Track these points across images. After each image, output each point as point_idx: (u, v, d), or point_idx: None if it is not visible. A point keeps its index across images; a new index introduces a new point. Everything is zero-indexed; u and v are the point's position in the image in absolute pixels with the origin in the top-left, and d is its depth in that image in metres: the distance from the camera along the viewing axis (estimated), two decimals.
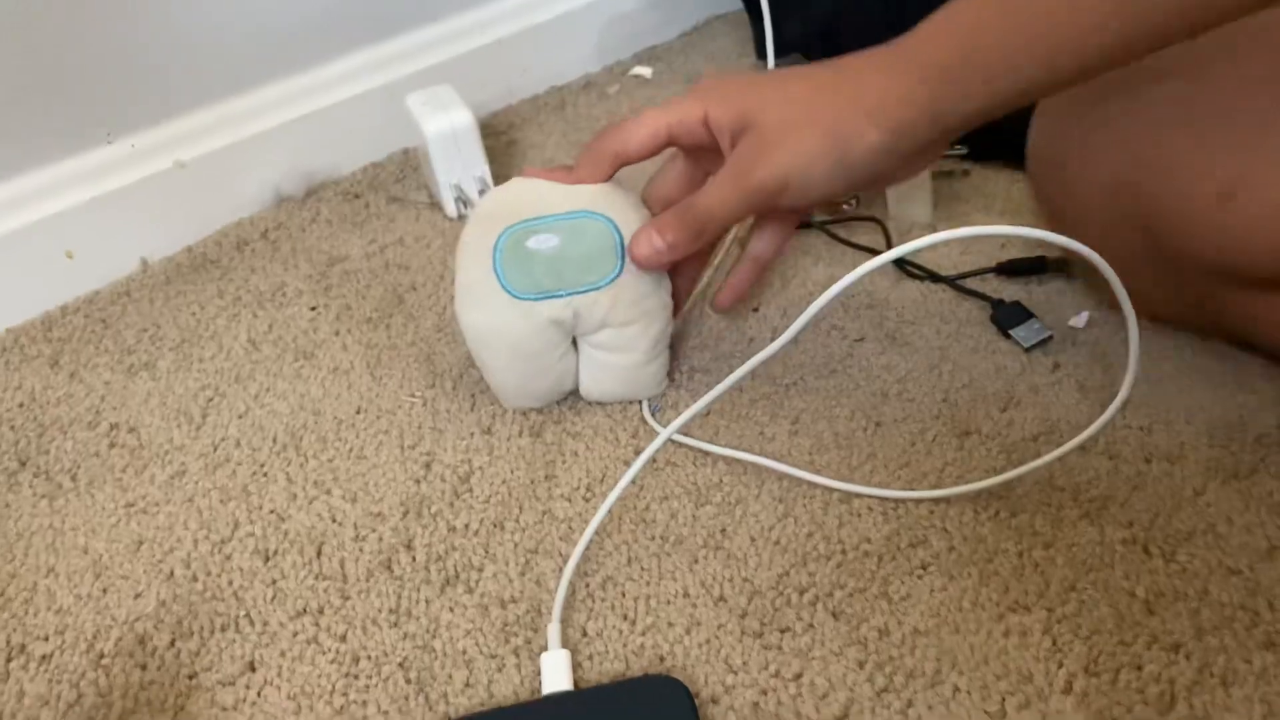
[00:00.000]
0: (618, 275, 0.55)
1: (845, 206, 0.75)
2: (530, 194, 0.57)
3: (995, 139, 0.76)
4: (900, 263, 0.70)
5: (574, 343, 0.58)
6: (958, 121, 0.49)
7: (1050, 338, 0.62)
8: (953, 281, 0.68)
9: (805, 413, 0.59)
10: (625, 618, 0.48)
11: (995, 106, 0.48)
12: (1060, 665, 0.44)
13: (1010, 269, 0.68)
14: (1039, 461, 0.50)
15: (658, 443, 0.51)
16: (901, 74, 0.49)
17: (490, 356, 0.58)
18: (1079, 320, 0.63)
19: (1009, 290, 0.66)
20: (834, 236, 0.73)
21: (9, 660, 0.49)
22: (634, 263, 0.54)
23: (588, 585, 0.50)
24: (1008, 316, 0.64)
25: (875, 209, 0.75)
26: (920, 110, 0.48)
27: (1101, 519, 0.50)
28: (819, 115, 0.50)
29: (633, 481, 0.55)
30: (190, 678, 0.47)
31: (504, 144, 0.91)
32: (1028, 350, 0.62)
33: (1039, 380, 0.59)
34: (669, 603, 0.49)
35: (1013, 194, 0.75)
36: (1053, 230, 0.47)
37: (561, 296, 0.55)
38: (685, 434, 0.57)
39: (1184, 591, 0.47)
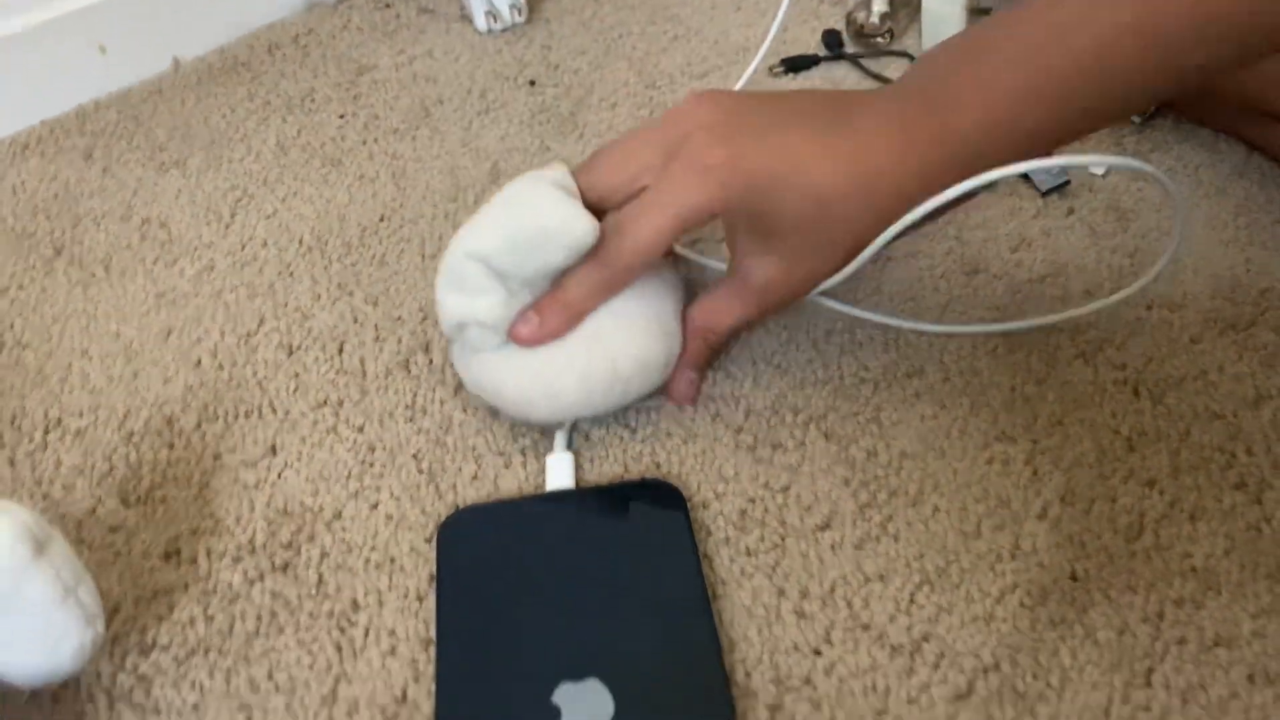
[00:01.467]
0: None
1: (878, 40, 0.74)
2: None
3: None
4: None
5: None
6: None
7: (1068, 183, 0.62)
8: None
9: None
10: (627, 426, 0.50)
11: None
12: (1038, 494, 0.46)
13: None
14: (1065, 314, 0.51)
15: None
16: (936, 145, 0.44)
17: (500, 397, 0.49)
18: (1098, 167, 0.63)
19: None
20: (865, 71, 0.73)
21: (46, 432, 0.52)
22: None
23: None
24: None
25: (908, 42, 0.74)
26: (950, 176, 0.44)
27: (1096, 360, 0.52)
28: (847, 218, 0.45)
29: None
30: (215, 458, 0.50)
31: None
32: (1044, 194, 0.62)
33: (1052, 224, 0.60)
34: (668, 416, 0.51)
35: None
36: None
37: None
38: (698, 254, 0.58)
39: (1166, 432, 0.48)
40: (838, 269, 0.47)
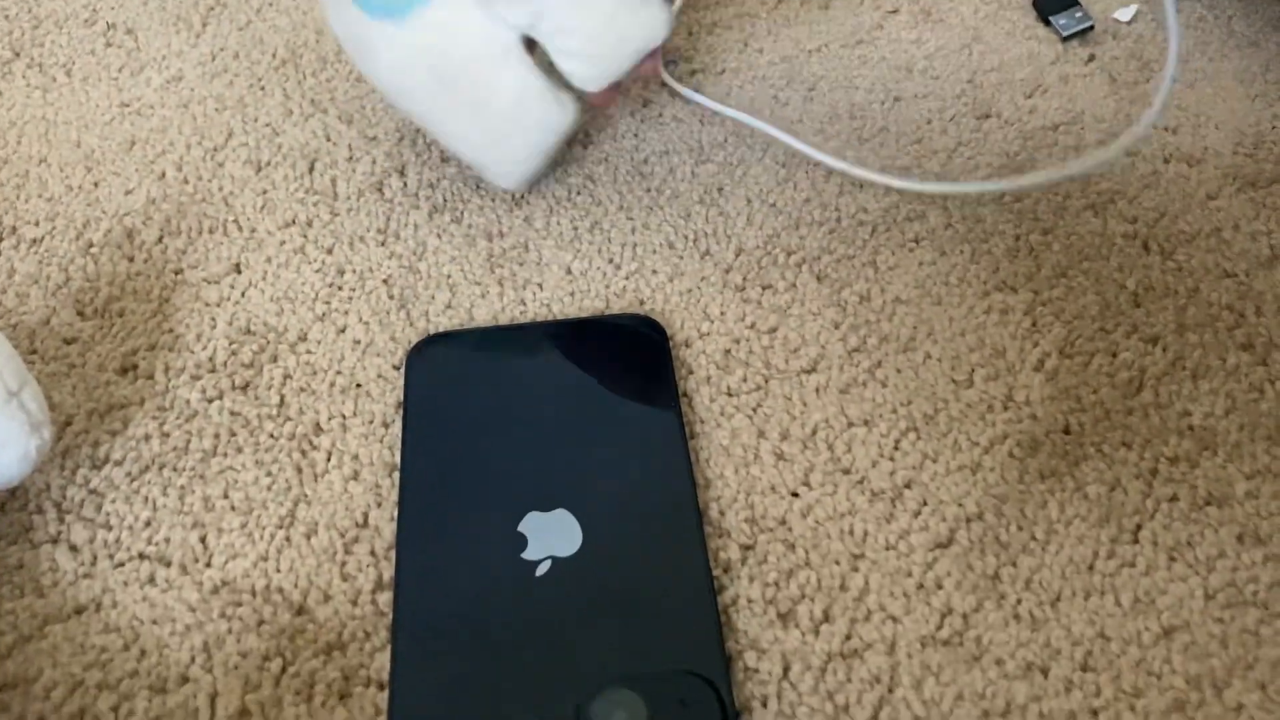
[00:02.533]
0: None
1: None
2: None
3: None
4: None
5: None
6: None
7: (1091, 28, 0.58)
8: None
9: (824, 80, 0.56)
10: (610, 261, 0.48)
11: None
12: (1036, 345, 0.44)
13: None
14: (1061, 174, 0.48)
15: None
16: None
17: (417, 106, 0.46)
18: (1125, 13, 0.60)
19: None
20: None
21: (1, 240, 0.49)
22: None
23: (575, 228, 0.49)
24: (1050, 2, 0.60)
25: None
26: None
27: (1106, 212, 0.49)
28: None
29: (634, 134, 0.54)
30: (176, 273, 0.48)
31: None
32: (1065, 39, 0.58)
33: (1071, 70, 0.56)
34: (655, 252, 0.48)
35: None
36: None
37: None
38: (696, 91, 0.55)
39: (1175, 289, 0.46)
40: None
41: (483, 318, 0.46)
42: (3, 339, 0.37)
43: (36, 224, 0.50)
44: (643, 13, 0.44)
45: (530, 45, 0.44)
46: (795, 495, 0.39)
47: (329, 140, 0.53)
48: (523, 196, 0.50)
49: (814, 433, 0.41)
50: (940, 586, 0.37)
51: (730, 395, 0.43)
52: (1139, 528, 0.38)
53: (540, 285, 0.47)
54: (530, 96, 0.45)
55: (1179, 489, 0.39)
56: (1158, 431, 0.41)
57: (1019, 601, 0.36)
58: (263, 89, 0.57)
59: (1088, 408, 0.42)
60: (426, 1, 0.42)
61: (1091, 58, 0.57)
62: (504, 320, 0.46)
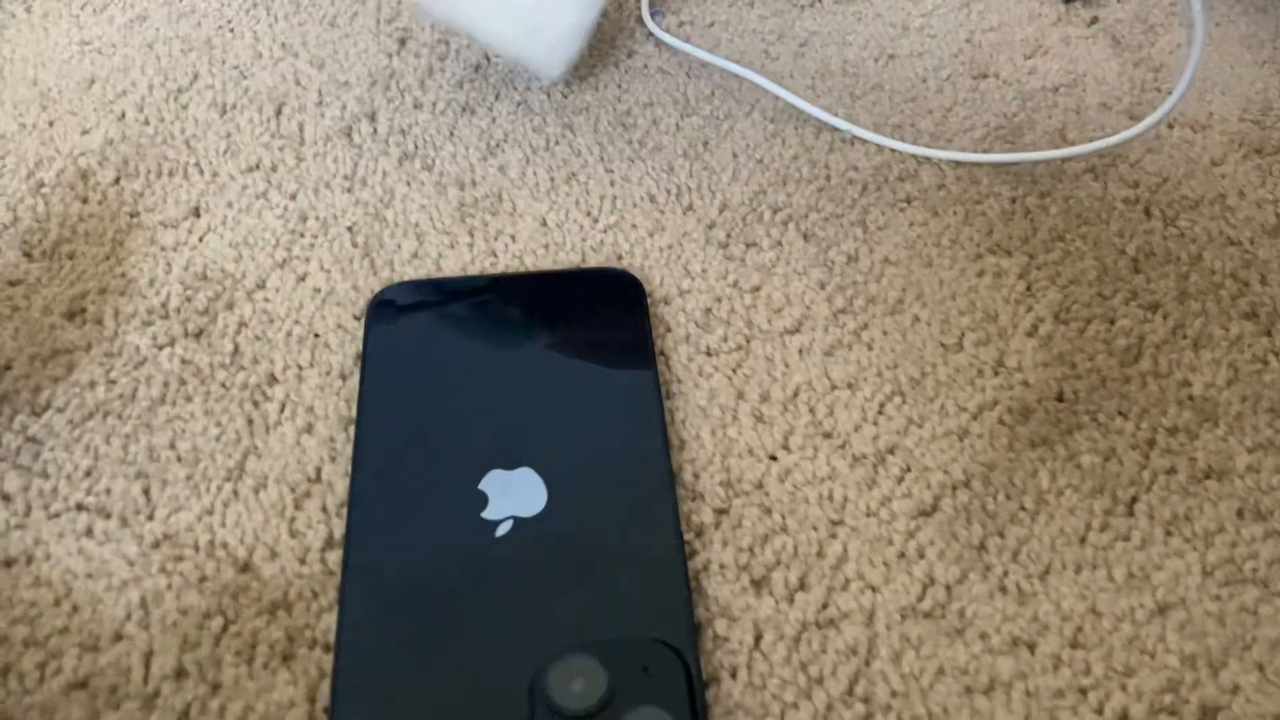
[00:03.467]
0: None
1: None
2: None
3: None
4: None
5: None
6: None
7: None
8: None
9: (816, 36, 0.54)
10: (588, 214, 0.46)
11: None
12: (1030, 309, 0.42)
13: None
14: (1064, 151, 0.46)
15: None
16: None
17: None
18: None
19: None
20: None
21: None
22: None
23: (552, 179, 0.47)
24: None
25: None
26: None
27: (1107, 175, 0.47)
28: None
29: (617, 85, 0.51)
30: (132, 215, 0.45)
31: None
32: (1067, 1, 0.56)
33: (1073, 32, 0.54)
34: (635, 205, 0.46)
35: None
36: None
37: None
38: (684, 40, 0.53)
39: (1176, 255, 0.44)
40: None
41: (451, 269, 0.44)
42: None
43: None
44: None
45: None
46: (774, 459, 0.37)
47: (298, 84, 0.51)
48: (496, 145, 0.48)
49: (795, 395, 0.39)
50: (923, 556, 0.35)
51: (709, 355, 0.40)
52: (1134, 500, 0.36)
53: (513, 237, 0.45)
54: None
55: (1177, 460, 0.37)
56: (1156, 401, 0.39)
57: (1005, 573, 0.34)
58: (232, 31, 0.54)
59: (1083, 375, 0.40)
60: None
61: (1095, 20, 0.55)
62: (474, 272, 0.44)
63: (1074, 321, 0.42)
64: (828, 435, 0.38)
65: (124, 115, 0.50)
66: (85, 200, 0.46)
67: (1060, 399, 0.39)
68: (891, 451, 0.37)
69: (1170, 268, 0.43)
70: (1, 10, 0.55)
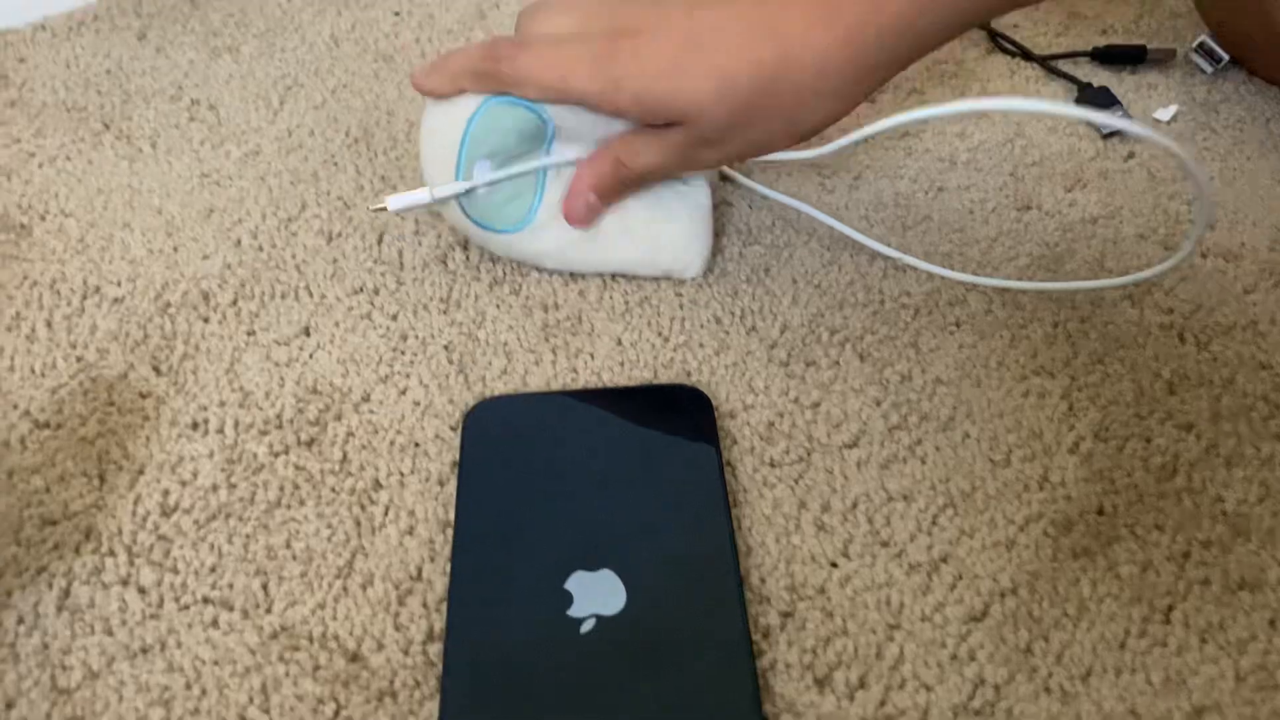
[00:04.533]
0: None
1: None
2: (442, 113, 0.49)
3: None
4: (993, 35, 0.68)
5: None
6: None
7: None
8: (1044, 60, 0.66)
9: (869, 170, 0.59)
10: (659, 334, 0.50)
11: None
12: (1071, 428, 0.45)
13: (1107, 55, 0.66)
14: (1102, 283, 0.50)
15: None
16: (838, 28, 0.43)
17: (606, 255, 0.52)
18: (1165, 113, 0.62)
19: (1100, 76, 0.65)
20: None
21: (85, 298, 0.52)
22: (571, 223, 0.51)
23: (627, 302, 0.51)
24: (1092, 100, 0.62)
25: None
26: (875, 67, 0.44)
27: (1143, 303, 0.50)
28: (769, 110, 0.44)
29: None
30: (249, 334, 0.50)
31: None
32: (1105, 136, 0.60)
33: (1110, 166, 0.58)
34: (703, 326, 0.50)
35: None
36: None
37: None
38: (744, 175, 0.58)
39: (1210, 378, 0.47)
40: (778, 142, 0.46)
41: (536, 384, 0.48)
42: None
43: (119, 284, 0.53)
44: None
45: None
46: (834, 565, 0.41)
47: (397, 215, 0.56)
48: (576, 271, 0.53)
49: (854, 506, 0.43)
50: (973, 658, 0.38)
51: (773, 466, 0.44)
52: (1171, 608, 0.39)
53: (592, 354, 0.49)
54: (660, 199, 0.51)
55: (1211, 572, 0.40)
56: (1191, 516, 0.42)
57: (1050, 675, 0.37)
58: (336, 164, 0.60)
59: (1121, 490, 0.43)
60: (539, 202, 0.50)
61: (1131, 155, 0.59)
62: (556, 387, 0.48)
63: (1113, 440, 0.45)
64: (885, 544, 0.41)
65: (240, 242, 0.55)
66: (207, 320, 0.51)
67: (1100, 513, 0.42)
68: (944, 560, 0.41)
69: (1204, 390, 0.47)
70: (130, 146, 0.61)
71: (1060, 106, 0.40)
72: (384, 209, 0.50)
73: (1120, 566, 0.40)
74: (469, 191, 0.49)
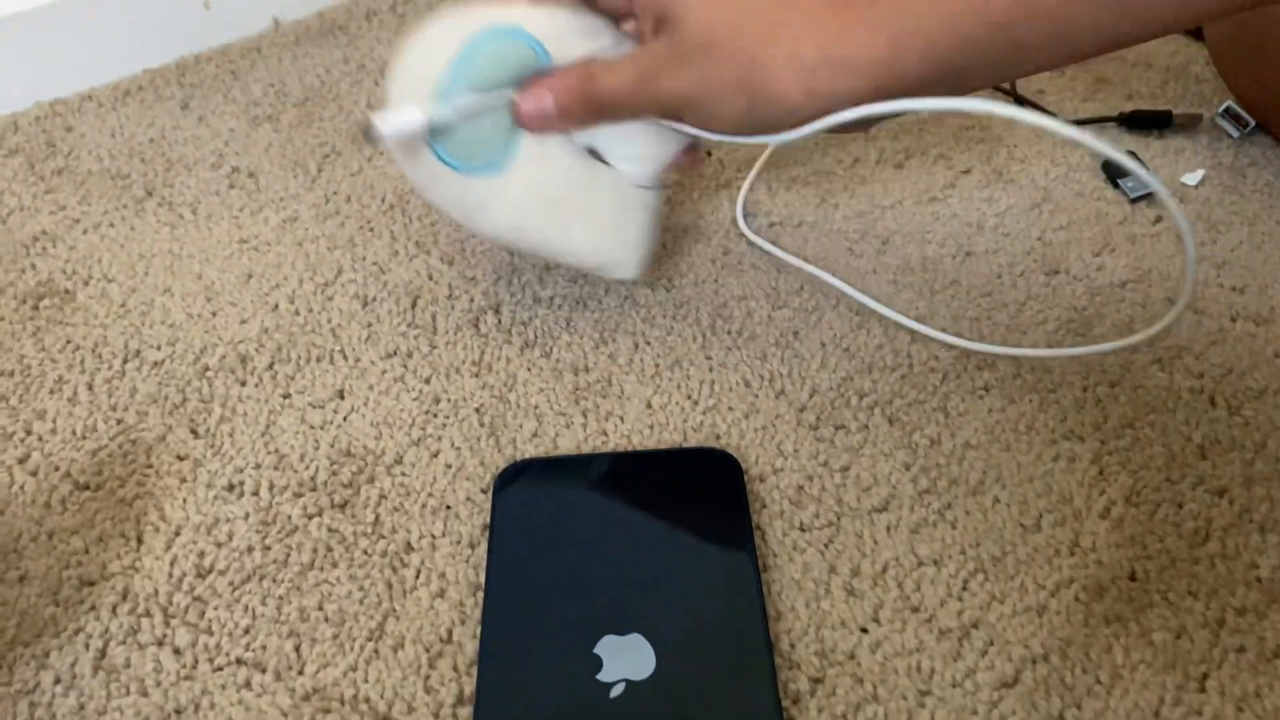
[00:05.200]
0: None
1: None
2: (431, 37, 0.46)
3: None
4: (1020, 101, 0.69)
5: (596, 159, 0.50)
6: (908, 91, 0.39)
7: None
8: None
9: (897, 234, 0.59)
10: (689, 397, 0.50)
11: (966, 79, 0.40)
12: (1102, 493, 0.45)
13: (1133, 120, 0.66)
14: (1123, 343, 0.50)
15: None
16: (863, 25, 0.39)
17: (543, 236, 0.49)
18: (1192, 177, 0.62)
19: (1127, 141, 0.65)
20: None
21: (125, 361, 0.53)
22: (519, 120, 0.46)
23: (657, 365, 0.52)
24: (1118, 166, 0.62)
25: None
26: (864, 84, 0.39)
27: (1173, 367, 0.50)
28: (743, 46, 0.40)
29: (714, 280, 0.57)
30: (284, 397, 0.51)
31: None
32: (1133, 201, 0.61)
33: (1138, 231, 0.59)
34: (732, 390, 0.51)
35: (1147, 46, 0.72)
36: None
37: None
38: (772, 242, 0.58)
39: (1241, 442, 0.47)
40: (746, 98, 0.41)
41: (567, 446, 0.48)
42: None
43: (158, 348, 0.54)
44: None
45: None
46: (865, 631, 0.41)
47: (431, 279, 0.57)
48: (607, 335, 0.53)
49: (884, 570, 0.43)
50: None
51: (803, 530, 0.44)
52: (1205, 676, 0.38)
53: (622, 417, 0.49)
54: (624, 188, 0.50)
55: (1246, 640, 0.40)
56: (1224, 582, 0.42)
57: None
58: (371, 230, 0.61)
59: (1153, 556, 0.43)
60: (516, 146, 0.47)
61: (1158, 219, 0.59)
62: (587, 449, 0.48)
63: (1144, 505, 0.45)
64: (915, 609, 0.41)
65: (277, 306, 0.56)
66: (244, 383, 0.52)
67: (1133, 578, 0.42)
68: (975, 626, 0.40)
69: (1236, 455, 0.46)
70: (172, 212, 0.63)
71: (1057, 124, 0.39)
72: (371, 129, 0.44)
73: (1153, 633, 0.40)
74: (443, 126, 0.45)
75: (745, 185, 0.62)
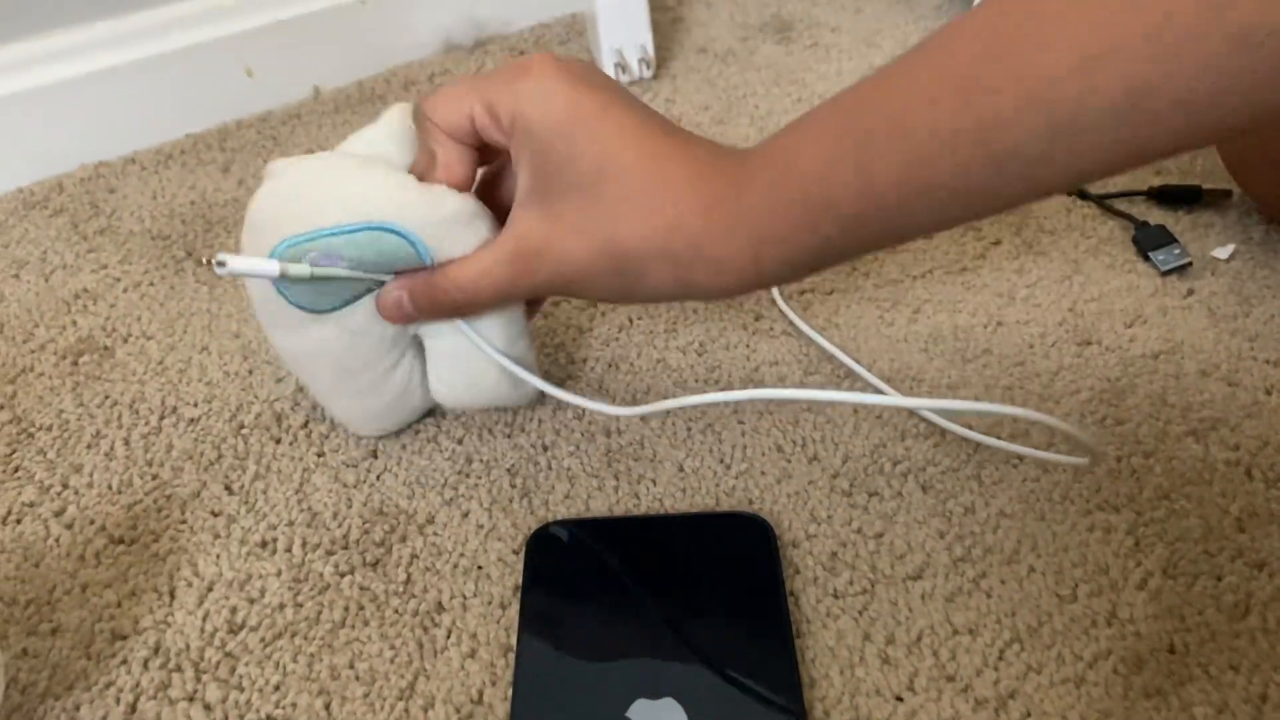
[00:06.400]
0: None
1: None
2: (313, 191, 0.43)
3: None
4: None
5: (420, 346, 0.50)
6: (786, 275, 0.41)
7: (1189, 264, 0.61)
8: (1100, 200, 0.67)
9: (929, 303, 0.59)
10: (721, 461, 0.50)
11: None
12: (1139, 564, 0.45)
13: (1162, 195, 0.67)
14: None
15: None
16: (725, 229, 0.40)
17: (311, 379, 0.49)
18: (1223, 251, 0.62)
19: (1156, 215, 0.65)
20: None
21: (162, 418, 0.54)
22: (379, 308, 0.46)
23: (689, 429, 0.52)
24: (1149, 239, 0.63)
25: None
26: (730, 280, 0.41)
27: (1208, 438, 0.50)
28: (618, 237, 0.41)
29: (746, 345, 0.57)
30: (319, 455, 0.51)
31: (669, 20, 0.92)
32: (1164, 274, 0.61)
33: (1170, 303, 0.59)
34: (764, 454, 0.51)
35: None
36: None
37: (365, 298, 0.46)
38: (804, 309, 0.59)
39: None
40: (609, 284, 0.42)
41: (599, 509, 0.48)
42: None
43: (195, 405, 0.55)
44: (514, 392, 0.51)
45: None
46: (900, 699, 0.40)
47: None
48: (641, 397, 0.54)
49: (919, 639, 0.42)
50: None
51: (836, 597, 0.44)
52: None
53: (654, 480, 0.49)
54: (413, 388, 0.50)
55: None
56: (1267, 656, 0.41)
57: None
58: None
59: (1193, 629, 0.42)
60: (348, 309, 0.46)
61: (1190, 292, 0.59)
62: (619, 512, 0.48)
63: (1182, 577, 0.44)
64: (951, 679, 0.41)
65: None
66: (279, 441, 0.52)
67: (1172, 651, 0.41)
68: (1012, 696, 0.40)
69: (1274, 528, 0.46)
70: (211, 272, 0.64)
71: (886, 399, 0.42)
72: (222, 265, 0.42)
73: (1194, 707, 0.39)
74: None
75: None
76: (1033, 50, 0.32)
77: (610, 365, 0.56)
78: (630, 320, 0.59)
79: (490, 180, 0.48)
